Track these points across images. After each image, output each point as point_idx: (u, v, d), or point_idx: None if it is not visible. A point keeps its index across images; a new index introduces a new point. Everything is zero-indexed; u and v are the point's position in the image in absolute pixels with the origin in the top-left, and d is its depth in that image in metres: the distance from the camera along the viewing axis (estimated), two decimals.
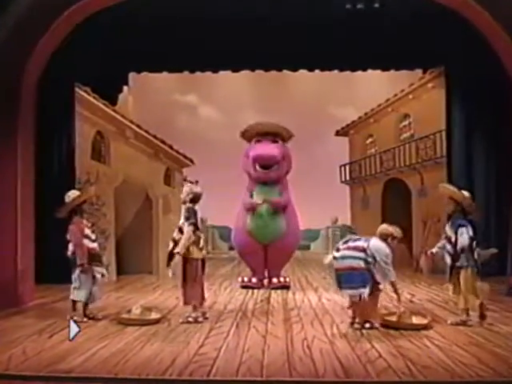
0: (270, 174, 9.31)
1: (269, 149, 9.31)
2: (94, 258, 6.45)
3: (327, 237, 20.55)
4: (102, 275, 6.51)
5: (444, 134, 11.51)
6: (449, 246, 5.90)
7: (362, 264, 5.63)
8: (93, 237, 6.57)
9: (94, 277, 6.44)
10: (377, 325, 5.72)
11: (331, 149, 18.02)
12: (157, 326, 5.92)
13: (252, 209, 9.29)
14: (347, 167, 18.85)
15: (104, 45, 9.72)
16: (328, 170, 17.96)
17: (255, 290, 8.94)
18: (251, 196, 9.42)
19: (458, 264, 5.81)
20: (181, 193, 6.52)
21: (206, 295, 6.59)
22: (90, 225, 6.77)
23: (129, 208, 12.96)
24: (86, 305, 6.40)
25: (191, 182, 17.18)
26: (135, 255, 12.65)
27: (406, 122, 15.69)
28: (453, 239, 5.84)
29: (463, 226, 5.81)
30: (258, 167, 9.34)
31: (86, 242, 6.39)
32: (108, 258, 10.40)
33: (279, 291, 8.84)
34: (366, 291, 5.58)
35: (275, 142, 9.46)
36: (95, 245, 6.56)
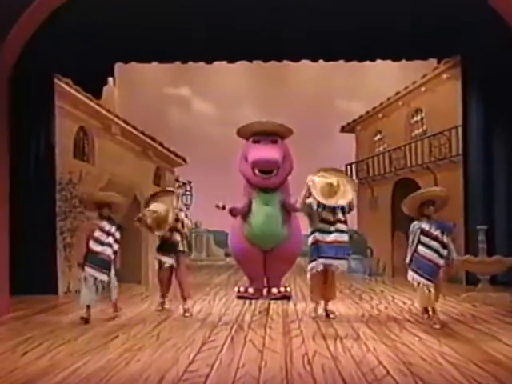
0: (270, 180, 9.25)
1: (269, 152, 9.20)
2: (96, 261, 6.96)
3: None
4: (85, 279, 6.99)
5: (460, 130, 11.49)
6: (438, 245, 6.31)
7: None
8: (106, 240, 7.04)
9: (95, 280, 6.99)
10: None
11: (336, 146, 17.90)
12: (143, 340, 5.87)
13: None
14: (353, 166, 18.77)
15: (86, 32, 9.62)
16: None
17: (253, 301, 8.91)
18: (251, 203, 9.37)
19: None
20: None
21: (194, 303, 6.68)
22: (108, 228, 7.16)
23: None
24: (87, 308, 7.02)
25: (183, 183, 17.24)
26: (122, 263, 12.59)
27: (418, 117, 15.62)
28: (440, 239, 6.31)
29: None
30: (257, 172, 9.27)
31: (91, 244, 6.99)
32: None
33: (279, 302, 8.81)
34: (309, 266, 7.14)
35: (274, 141, 9.39)
36: (99, 249, 7.00)
